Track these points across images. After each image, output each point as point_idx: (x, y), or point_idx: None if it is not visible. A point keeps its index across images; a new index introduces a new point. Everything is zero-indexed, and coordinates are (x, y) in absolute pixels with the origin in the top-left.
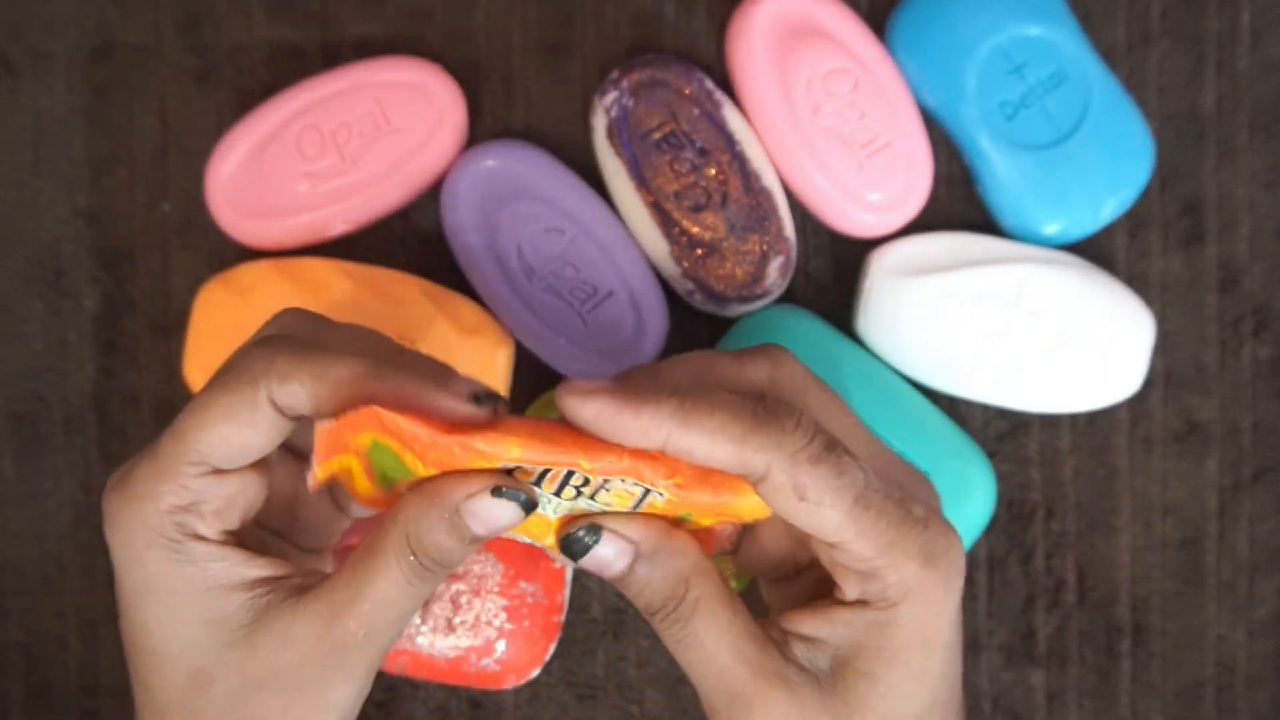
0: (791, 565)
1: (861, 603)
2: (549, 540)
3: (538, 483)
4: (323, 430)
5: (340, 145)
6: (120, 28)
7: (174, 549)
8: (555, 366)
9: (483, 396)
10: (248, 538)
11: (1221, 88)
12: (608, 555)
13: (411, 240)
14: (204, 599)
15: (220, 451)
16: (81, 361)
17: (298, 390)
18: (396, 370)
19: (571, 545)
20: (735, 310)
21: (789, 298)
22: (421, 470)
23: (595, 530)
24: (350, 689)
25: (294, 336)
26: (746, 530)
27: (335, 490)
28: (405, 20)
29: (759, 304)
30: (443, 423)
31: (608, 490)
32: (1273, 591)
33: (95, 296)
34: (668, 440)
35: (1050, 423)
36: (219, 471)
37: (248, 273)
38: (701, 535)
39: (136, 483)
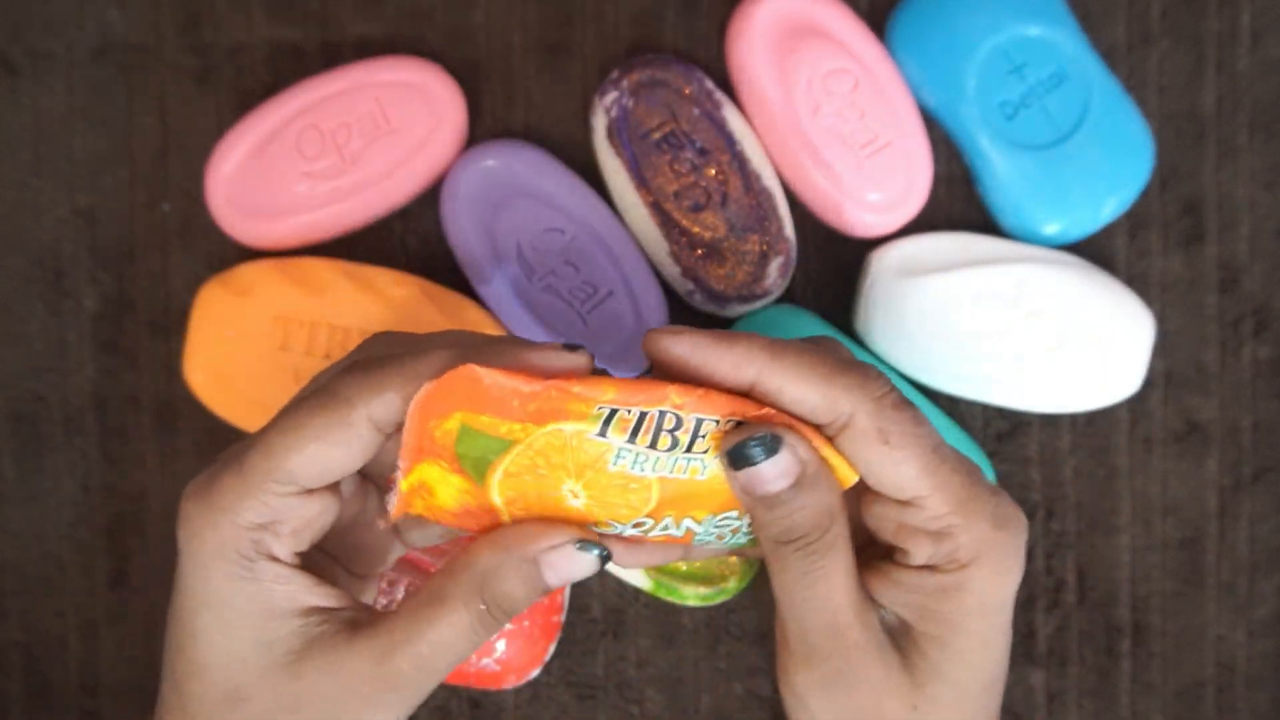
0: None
1: (928, 567)
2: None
3: (634, 436)
4: (412, 420)
5: (340, 145)
6: (120, 28)
7: (244, 566)
8: None
9: (575, 345)
10: (311, 561)
11: (1221, 88)
12: (776, 470)
13: (411, 240)
14: (260, 619)
15: (310, 471)
16: (81, 361)
17: (393, 399)
18: (485, 349)
19: (741, 454)
20: (735, 310)
21: (789, 298)
22: (521, 435)
23: (774, 441)
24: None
25: (381, 355)
26: None
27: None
28: (405, 20)
29: (759, 304)
30: (538, 374)
31: (703, 438)
32: (1273, 591)
33: (95, 296)
34: (758, 376)
35: (1050, 423)
36: (304, 492)
37: (248, 273)
38: None
39: (220, 494)
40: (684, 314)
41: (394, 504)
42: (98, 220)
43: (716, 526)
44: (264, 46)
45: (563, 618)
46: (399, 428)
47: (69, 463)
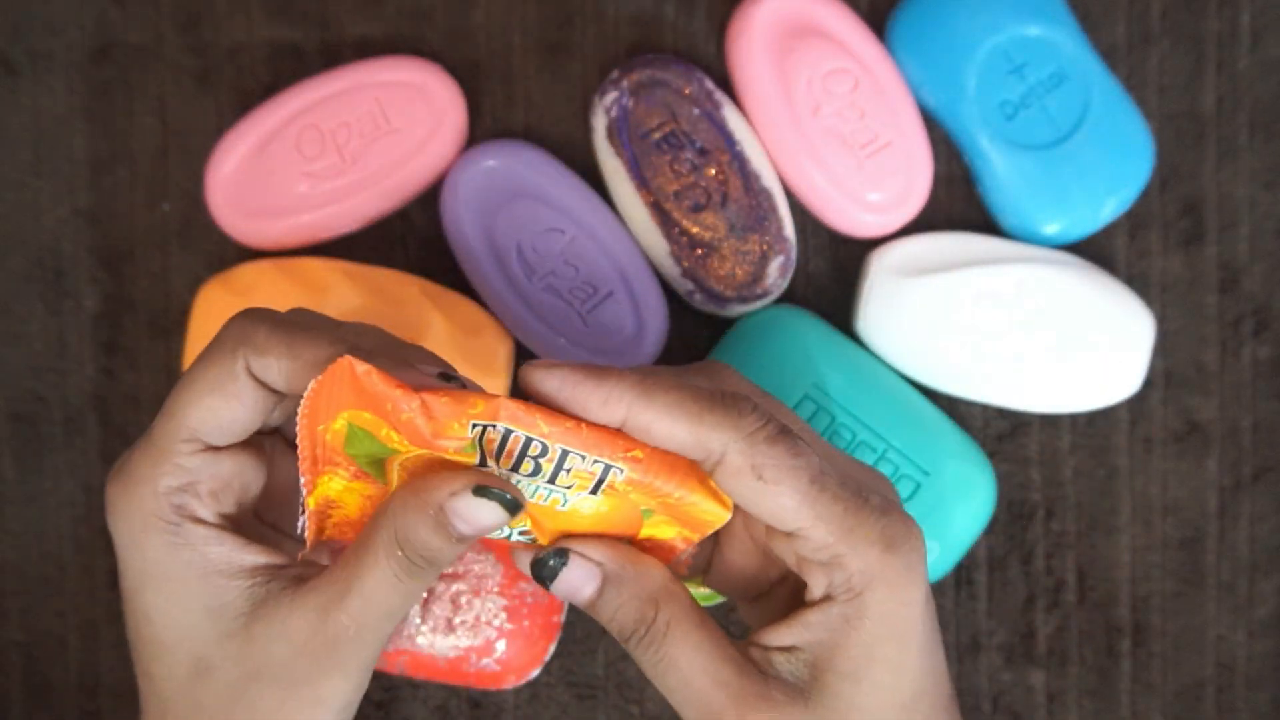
0: (764, 582)
1: (828, 599)
2: (514, 530)
3: (498, 456)
4: (302, 428)
5: (340, 145)
6: (120, 28)
7: (172, 532)
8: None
9: (451, 376)
10: (248, 528)
11: (1221, 88)
12: (576, 579)
13: (411, 240)
14: (203, 584)
15: (209, 425)
16: (81, 361)
17: (273, 365)
18: (380, 350)
19: (541, 570)
20: (735, 310)
21: (789, 298)
22: (399, 445)
23: (562, 554)
24: (345, 684)
25: (278, 313)
26: (716, 545)
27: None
28: (405, 20)
29: (759, 304)
30: (410, 385)
31: (567, 472)
32: (1273, 591)
33: (95, 296)
34: (628, 414)
35: (1050, 423)
36: (212, 449)
37: (248, 273)
38: (661, 550)
39: (133, 467)
40: (684, 314)
41: (307, 530)
42: (98, 220)
43: None
44: (264, 46)
45: (563, 618)
46: (285, 396)
47: (69, 463)
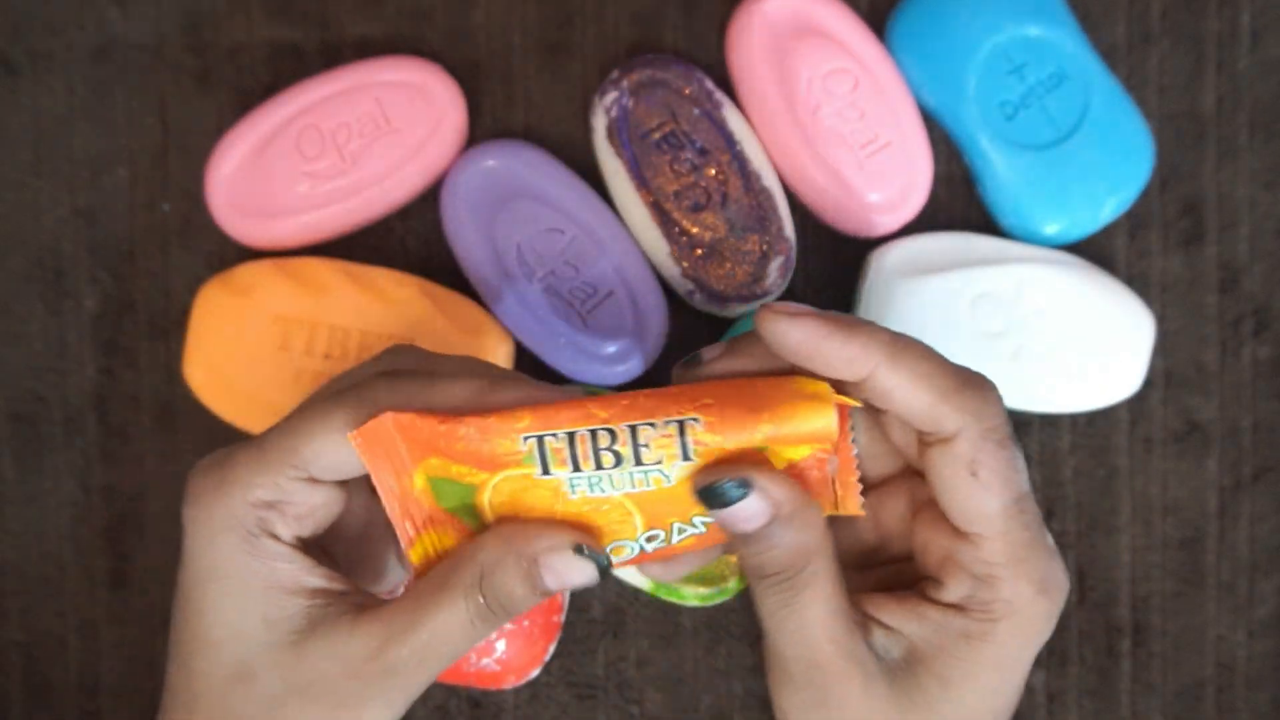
0: (873, 557)
1: (958, 607)
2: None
3: (575, 463)
4: (379, 479)
5: (340, 145)
6: (120, 28)
7: (250, 540)
8: (555, 366)
9: (592, 389)
10: (315, 553)
11: (1221, 88)
12: (749, 512)
13: (411, 240)
14: (266, 595)
15: (324, 461)
16: (81, 361)
17: None
18: (505, 386)
19: (714, 496)
20: (735, 310)
21: (789, 298)
22: (473, 477)
23: (745, 484)
24: (387, 713)
25: (409, 369)
26: (839, 520)
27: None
28: (405, 20)
29: (759, 304)
30: (446, 412)
31: (647, 446)
32: (1273, 591)
33: (95, 296)
34: (873, 374)
35: (1050, 423)
36: (313, 480)
37: (248, 273)
38: (809, 471)
39: (233, 468)
40: (684, 314)
41: (409, 568)
42: (98, 220)
43: None
44: (264, 46)
45: (563, 618)
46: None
47: (69, 463)
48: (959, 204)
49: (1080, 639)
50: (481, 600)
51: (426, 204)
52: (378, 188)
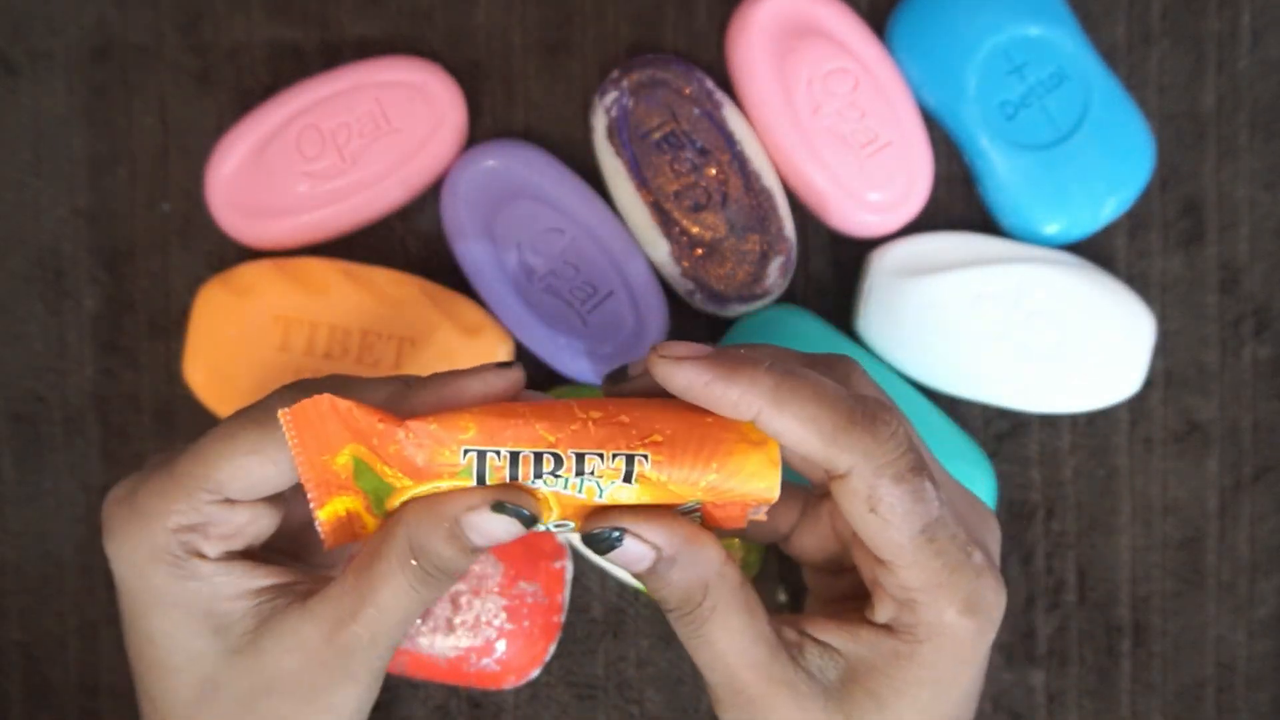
0: (837, 564)
1: (887, 628)
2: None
3: (514, 479)
4: (297, 451)
5: (340, 145)
6: (120, 28)
7: (178, 565)
8: (555, 366)
9: (507, 363)
10: (257, 554)
11: (1222, 88)
12: (629, 556)
13: (411, 240)
14: (209, 610)
15: (239, 483)
16: (81, 361)
17: None
18: (424, 387)
19: (595, 542)
20: (735, 310)
21: (789, 298)
22: (394, 480)
23: (618, 534)
24: (356, 692)
25: (324, 384)
26: (801, 519)
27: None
28: (405, 20)
29: (759, 304)
30: (393, 414)
31: (591, 473)
32: (1273, 591)
33: (95, 296)
34: (758, 417)
35: (1050, 423)
36: (231, 501)
37: (248, 273)
38: (732, 509)
39: (145, 499)
40: (684, 314)
41: (323, 536)
42: (98, 220)
43: None
44: (264, 46)
45: (563, 618)
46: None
47: (69, 463)
48: (959, 204)
49: (1080, 639)
50: (415, 564)
51: (426, 204)
52: (378, 188)
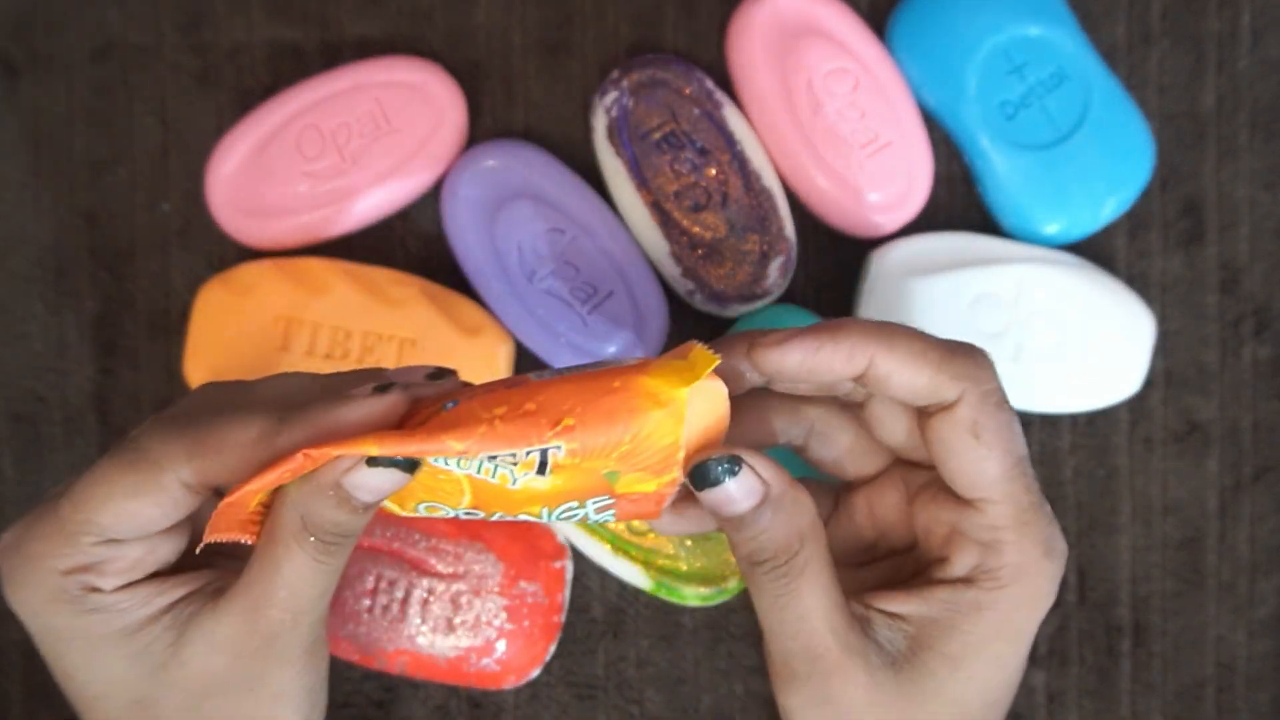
0: (871, 552)
1: (966, 580)
2: (464, 500)
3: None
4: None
5: (340, 145)
6: (120, 28)
7: (79, 603)
8: (556, 366)
9: (386, 386)
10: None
11: (1222, 88)
12: (737, 492)
13: (411, 240)
14: (120, 638)
15: (122, 526)
16: (81, 361)
17: (202, 466)
18: (303, 413)
19: (704, 475)
20: (735, 310)
21: (789, 298)
22: None
23: (735, 461)
24: (297, 674)
25: (198, 413)
26: (840, 506)
27: None
28: (405, 20)
29: (759, 304)
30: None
31: (506, 465)
32: (1273, 591)
33: (95, 296)
34: (871, 363)
35: (1050, 423)
36: (120, 540)
37: (248, 273)
38: (646, 502)
39: (34, 543)
40: (684, 314)
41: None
42: (98, 220)
43: (562, 516)
44: (264, 46)
45: (563, 618)
46: (215, 489)
47: (69, 463)
48: (959, 204)
49: (1080, 639)
50: (313, 539)
51: (426, 204)
52: (378, 188)
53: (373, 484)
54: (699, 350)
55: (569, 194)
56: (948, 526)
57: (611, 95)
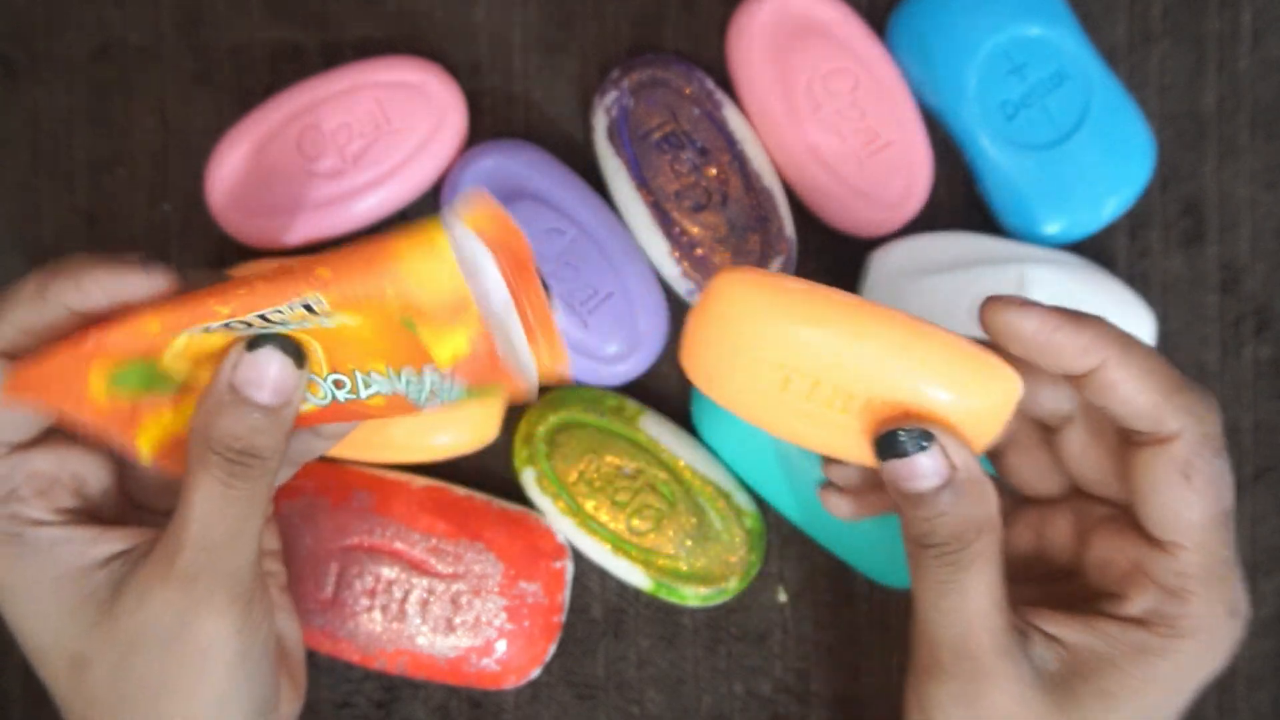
0: (1028, 570)
1: (1139, 621)
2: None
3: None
4: (77, 419)
5: (341, 145)
6: (120, 28)
7: (13, 543)
8: None
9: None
10: (106, 513)
11: (1222, 88)
12: (925, 469)
13: None
14: (60, 587)
15: None
16: None
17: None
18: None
19: (891, 444)
20: None
21: None
22: (145, 360)
23: (926, 437)
24: (223, 624)
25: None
26: (1015, 521)
27: None
28: (405, 20)
29: None
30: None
31: (285, 324)
32: (1273, 591)
33: None
34: (1102, 367)
35: None
36: (18, 449)
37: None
38: (481, 368)
39: None
40: (684, 314)
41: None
42: (98, 220)
43: (413, 386)
44: (264, 46)
45: (563, 618)
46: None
47: None
48: (959, 204)
49: None
50: (218, 458)
51: (426, 204)
52: (378, 188)
53: (263, 377)
54: (470, 205)
55: (568, 194)
56: (1129, 563)
57: (611, 95)
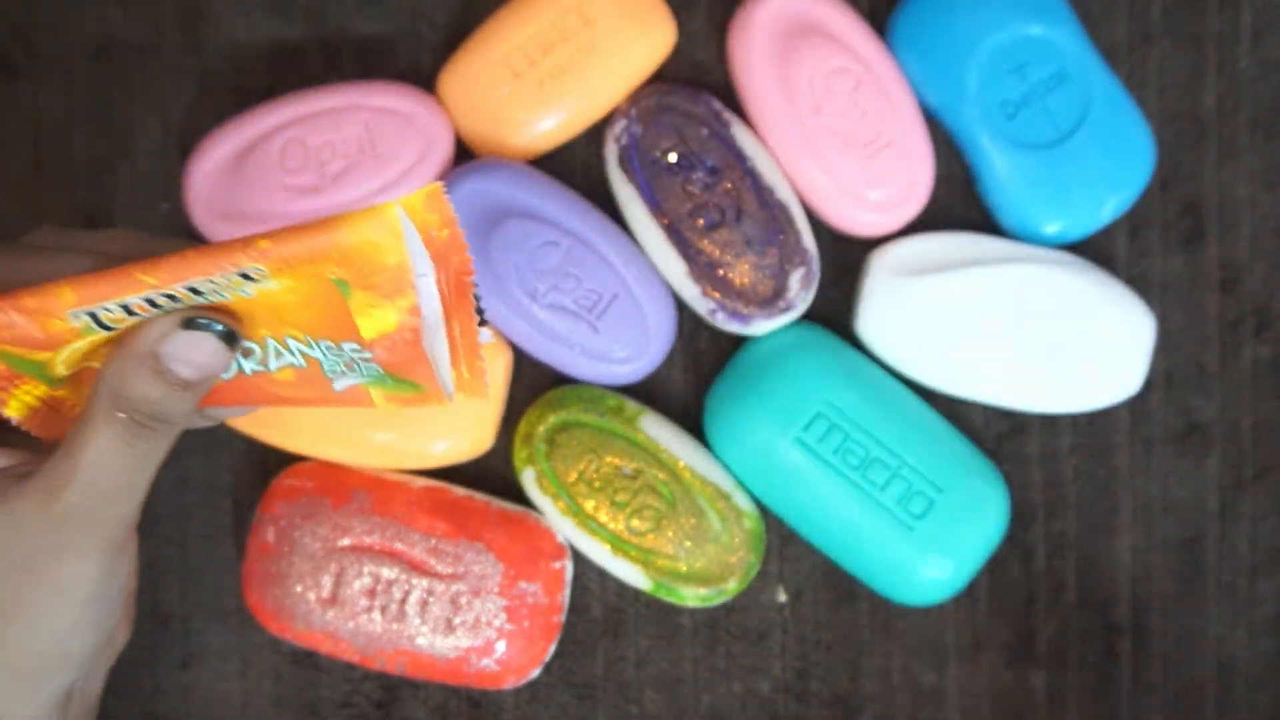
0: None
1: None
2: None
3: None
4: None
5: (323, 163)
6: (120, 28)
7: None
8: (573, 375)
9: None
10: None
11: (1222, 88)
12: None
13: None
14: None
15: None
16: None
17: None
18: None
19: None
20: (759, 327)
21: (810, 314)
22: (37, 355)
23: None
24: (85, 567)
25: None
26: None
27: None
28: (405, 20)
29: (783, 318)
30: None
31: (214, 294)
32: (1273, 591)
33: None
34: None
35: (1050, 423)
36: None
37: None
38: (401, 351)
39: None
40: (702, 331)
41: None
42: (98, 220)
43: (329, 356)
44: (264, 46)
45: (563, 618)
46: None
47: None
48: (959, 204)
49: (1080, 639)
50: (125, 416)
51: None
52: (354, 211)
53: (191, 355)
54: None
55: (555, 204)
56: None
57: (620, 124)
